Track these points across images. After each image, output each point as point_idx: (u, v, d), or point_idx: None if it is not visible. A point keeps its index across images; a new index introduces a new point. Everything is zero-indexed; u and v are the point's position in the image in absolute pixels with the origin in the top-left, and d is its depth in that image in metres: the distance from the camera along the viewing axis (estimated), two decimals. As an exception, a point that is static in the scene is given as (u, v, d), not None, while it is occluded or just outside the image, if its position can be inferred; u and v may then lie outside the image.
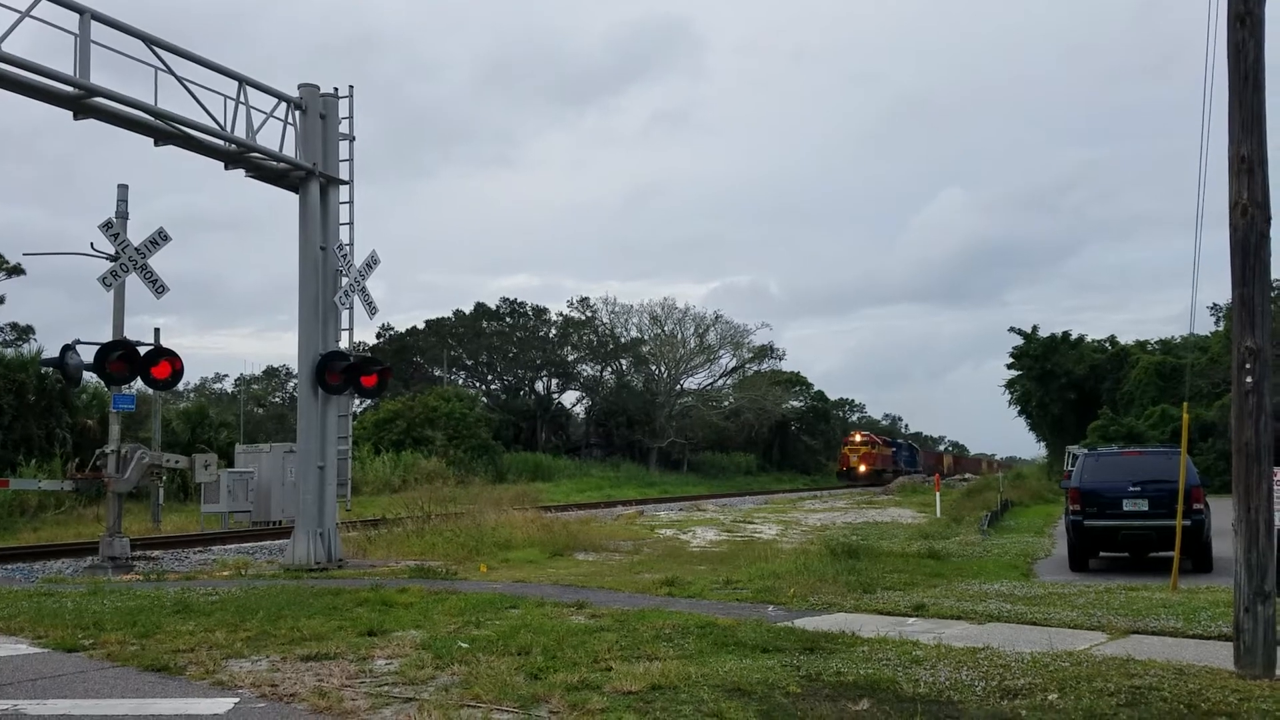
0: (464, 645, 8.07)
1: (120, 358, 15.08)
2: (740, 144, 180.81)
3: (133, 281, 15.98)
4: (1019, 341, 58.26)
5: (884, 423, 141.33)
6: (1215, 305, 52.34)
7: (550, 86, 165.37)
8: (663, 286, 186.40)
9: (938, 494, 32.41)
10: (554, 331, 79.80)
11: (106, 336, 16.50)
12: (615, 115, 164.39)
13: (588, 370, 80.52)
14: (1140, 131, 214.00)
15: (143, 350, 15.55)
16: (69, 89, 13.16)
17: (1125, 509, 15.59)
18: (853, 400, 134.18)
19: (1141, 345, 57.03)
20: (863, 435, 76.29)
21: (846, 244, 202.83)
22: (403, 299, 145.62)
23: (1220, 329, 49.25)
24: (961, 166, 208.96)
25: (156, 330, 15.83)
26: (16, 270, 51.96)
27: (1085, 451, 19.14)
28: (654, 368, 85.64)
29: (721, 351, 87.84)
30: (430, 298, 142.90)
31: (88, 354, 15.41)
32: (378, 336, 74.19)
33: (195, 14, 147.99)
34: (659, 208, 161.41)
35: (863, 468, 69.07)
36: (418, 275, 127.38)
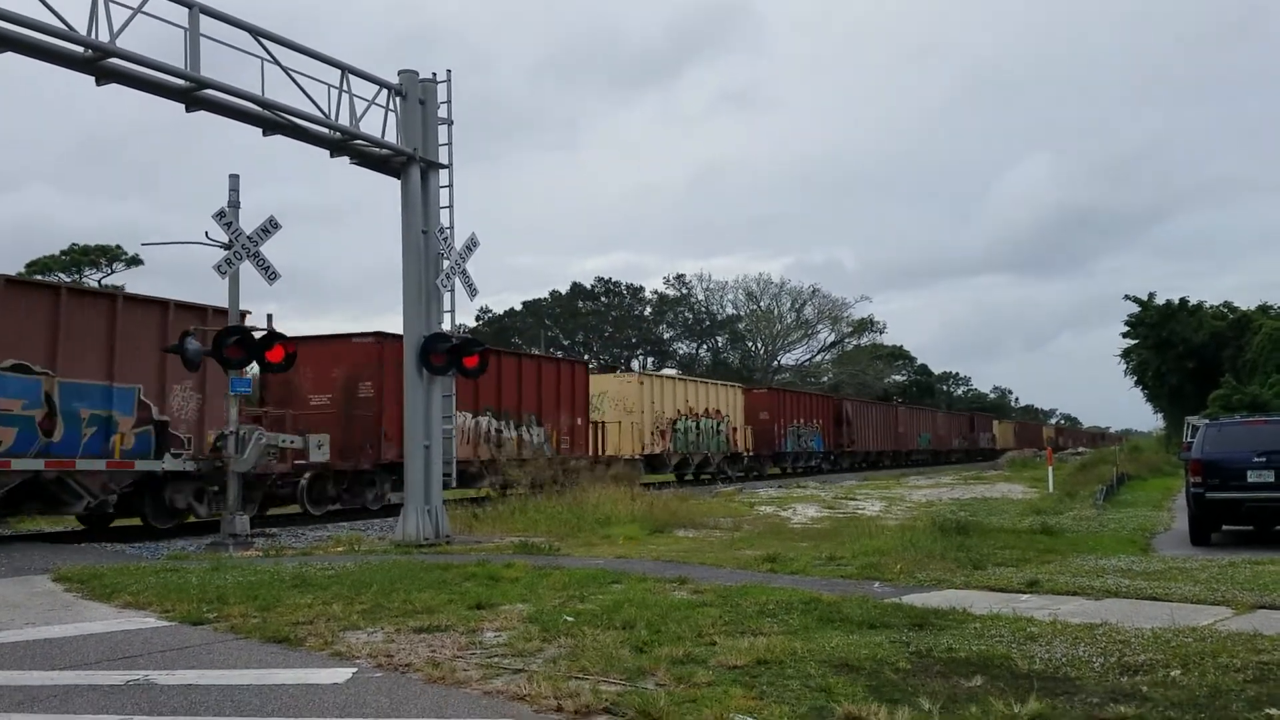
0: (569, 619, 8.16)
1: (237, 343, 15.59)
2: (806, 119, 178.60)
3: (244, 269, 16.51)
4: (1132, 310, 56.28)
5: (992, 396, 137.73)
6: (1346, 267, 49.68)
7: (610, 71, 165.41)
8: (736, 264, 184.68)
9: (1050, 468, 31.90)
10: (649, 310, 79.93)
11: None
12: (677, 96, 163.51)
13: (684, 348, 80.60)
14: (1221, 95, 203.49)
15: (257, 335, 16.06)
16: (181, 82, 13.58)
17: (1250, 480, 14.96)
18: (957, 373, 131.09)
19: (1264, 309, 54.43)
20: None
21: (920, 216, 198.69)
22: (488, 282, 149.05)
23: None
24: (1034, 135, 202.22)
25: (269, 316, 16.30)
26: (135, 261, 54.41)
27: (1206, 422, 18.38)
28: (750, 344, 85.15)
29: (820, 326, 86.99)
30: (510, 280, 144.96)
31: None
32: (476, 319, 75.39)
33: (247, 12, 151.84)
34: (727, 185, 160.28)
35: None
36: (502, 258, 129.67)
